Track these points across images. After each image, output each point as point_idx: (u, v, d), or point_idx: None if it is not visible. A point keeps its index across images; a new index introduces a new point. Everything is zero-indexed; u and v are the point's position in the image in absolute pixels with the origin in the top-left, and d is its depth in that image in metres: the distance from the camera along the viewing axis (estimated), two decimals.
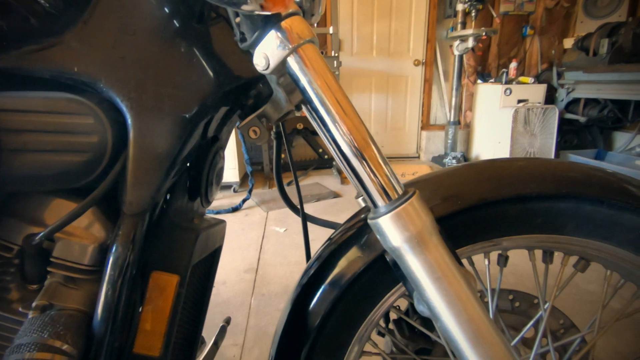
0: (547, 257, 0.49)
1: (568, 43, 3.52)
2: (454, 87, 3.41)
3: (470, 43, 3.04)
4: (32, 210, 0.38)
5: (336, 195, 2.74)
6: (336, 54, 2.91)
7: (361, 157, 0.37)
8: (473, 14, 3.03)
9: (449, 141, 3.52)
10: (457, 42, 3.17)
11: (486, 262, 0.50)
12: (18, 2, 0.36)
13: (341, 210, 2.41)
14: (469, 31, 2.96)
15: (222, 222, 0.55)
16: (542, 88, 3.10)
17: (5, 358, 0.33)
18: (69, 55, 0.37)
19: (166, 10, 0.40)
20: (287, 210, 2.47)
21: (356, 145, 0.37)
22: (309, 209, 2.52)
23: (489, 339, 0.35)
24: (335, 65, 2.92)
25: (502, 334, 0.37)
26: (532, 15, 3.49)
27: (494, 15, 3.02)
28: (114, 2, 0.38)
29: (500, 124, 3.01)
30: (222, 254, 0.58)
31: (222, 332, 0.71)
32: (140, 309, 0.38)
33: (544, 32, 3.55)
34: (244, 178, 3.01)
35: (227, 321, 0.76)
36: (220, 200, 2.73)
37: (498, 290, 0.53)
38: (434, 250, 0.36)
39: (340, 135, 0.37)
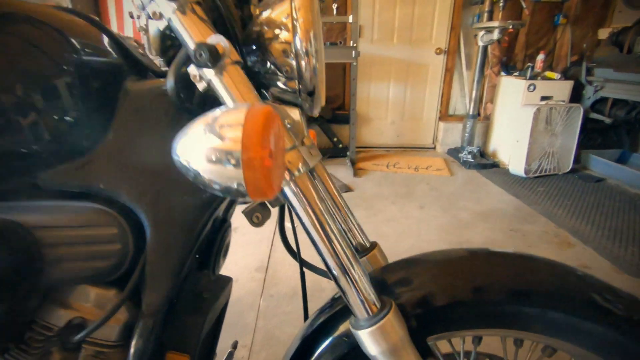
0: (518, 342, 0.53)
1: (603, 33, 3.32)
2: (476, 79, 3.30)
3: (495, 35, 2.91)
4: (69, 299, 0.45)
5: (348, 189, 2.79)
6: (355, 44, 2.85)
7: (345, 273, 0.42)
8: (501, 4, 2.88)
9: (466, 135, 3.46)
10: (482, 33, 3.04)
11: (461, 344, 0.55)
12: (46, 125, 0.41)
13: (351, 207, 2.45)
14: (494, 23, 2.83)
15: (229, 281, 0.62)
16: (568, 85, 2.98)
17: None
18: (95, 173, 0.42)
19: (178, 121, 0.45)
20: None
21: (341, 263, 0.42)
22: None
23: None
24: (353, 56, 2.87)
25: None
26: (566, 2, 3.28)
27: (524, 6, 2.86)
28: (131, 123, 0.43)
29: (520, 121, 2.93)
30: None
31: (230, 357, 0.80)
32: None
33: (578, 21, 3.34)
34: None
35: (234, 346, 0.84)
36: None
37: None
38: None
39: (328, 253, 0.42)
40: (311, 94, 0.46)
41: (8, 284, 0.39)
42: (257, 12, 0.48)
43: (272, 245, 2.00)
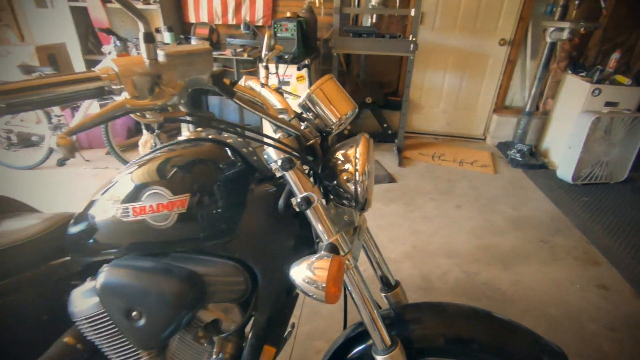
0: None
1: None
2: (538, 75, 3.21)
3: (565, 35, 2.79)
4: (212, 308, 0.79)
5: (392, 179, 3.01)
6: (414, 38, 2.90)
7: (371, 322, 0.71)
8: (577, 2, 2.72)
9: (519, 131, 3.43)
10: (551, 29, 2.92)
11: None
12: (210, 219, 0.72)
13: (392, 200, 2.70)
14: (565, 24, 2.70)
15: (297, 295, 0.94)
16: (638, 93, 2.82)
17: None
18: (234, 248, 0.73)
19: (281, 216, 0.74)
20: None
21: (370, 316, 0.71)
22: None
23: None
24: (411, 49, 2.93)
25: None
26: None
27: (602, 5, 2.67)
28: (254, 214, 0.73)
29: (576, 127, 2.87)
30: None
31: (289, 335, 1.16)
32: None
33: None
34: None
35: (292, 326, 1.20)
36: None
37: None
38: None
39: (363, 309, 0.71)
40: (362, 209, 0.73)
41: (191, 304, 0.73)
42: (335, 148, 0.74)
43: None
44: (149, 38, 0.52)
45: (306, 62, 2.76)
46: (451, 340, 0.76)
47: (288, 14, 2.90)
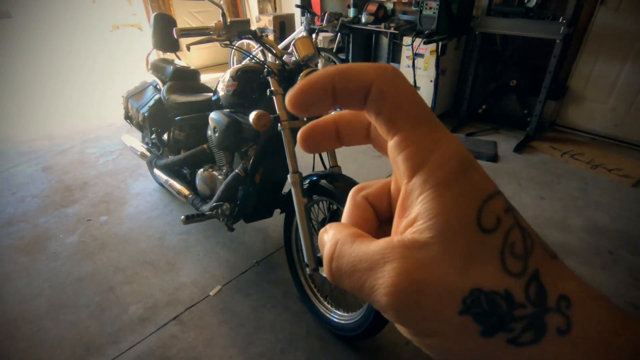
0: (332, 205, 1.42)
1: None
2: None
3: None
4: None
5: (492, 159, 3.09)
6: (564, 20, 2.75)
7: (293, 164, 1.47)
8: None
9: None
10: None
11: (324, 204, 1.48)
12: (255, 97, 1.63)
13: None
14: None
15: None
16: None
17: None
18: (262, 106, 1.62)
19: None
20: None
21: (295, 163, 1.47)
22: None
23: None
24: (560, 32, 2.80)
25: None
26: None
27: None
28: (266, 95, 1.59)
29: None
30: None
31: None
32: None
33: None
34: None
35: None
36: None
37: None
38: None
39: (290, 156, 1.48)
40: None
41: (233, 132, 1.67)
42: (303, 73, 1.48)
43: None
44: (224, 16, 1.43)
45: (434, 38, 3.13)
46: (326, 187, 1.42)
47: None
